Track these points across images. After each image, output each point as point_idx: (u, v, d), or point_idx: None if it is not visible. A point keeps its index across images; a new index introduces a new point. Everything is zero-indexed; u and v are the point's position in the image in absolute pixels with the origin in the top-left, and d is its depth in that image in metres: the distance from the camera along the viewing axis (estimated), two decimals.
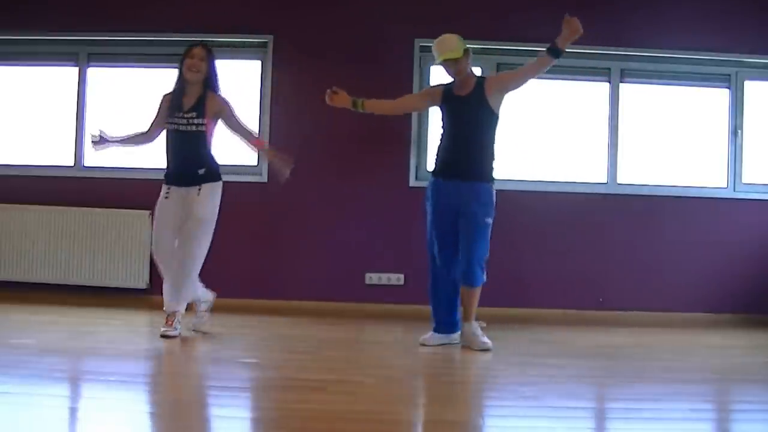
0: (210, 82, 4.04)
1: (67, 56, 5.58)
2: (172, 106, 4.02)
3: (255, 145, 4.26)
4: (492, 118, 4.01)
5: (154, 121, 4.10)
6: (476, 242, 3.94)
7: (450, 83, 4.12)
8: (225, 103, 4.07)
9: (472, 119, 4.01)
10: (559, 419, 2.76)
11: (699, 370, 3.70)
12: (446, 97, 4.09)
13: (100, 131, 4.03)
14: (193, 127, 3.98)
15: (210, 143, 4.08)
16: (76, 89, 5.55)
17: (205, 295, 4.19)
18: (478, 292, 4.00)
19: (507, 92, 4.04)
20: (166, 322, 3.96)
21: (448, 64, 4.00)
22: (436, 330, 4.09)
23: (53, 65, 5.64)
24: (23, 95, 5.66)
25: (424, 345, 4.02)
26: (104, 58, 5.58)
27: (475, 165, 4.01)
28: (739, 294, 5.36)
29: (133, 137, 4.15)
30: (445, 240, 4.00)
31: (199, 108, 3.99)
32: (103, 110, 5.57)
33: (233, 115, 4.10)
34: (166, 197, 4.03)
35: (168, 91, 4.10)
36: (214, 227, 4.06)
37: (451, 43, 3.98)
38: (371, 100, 4.17)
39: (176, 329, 3.95)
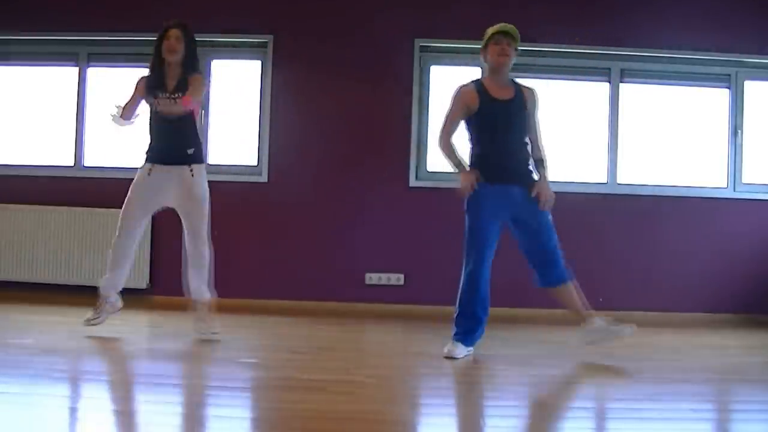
0: (189, 61, 4.00)
1: (67, 56, 5.58)
2: (154, 86, 3.96)
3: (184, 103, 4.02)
4: (526, 121, 3.90)
5: (128, 103, 4.01)
6: (554, 238, 3.83)
7: (479, 83, 3.91)
8: (199, 80, 4.01)
9: (521, 125, 3.86)
10: (559, 419, 2.76)
11: (699, 370, 3.70)
12: (485, 100, 3.82)
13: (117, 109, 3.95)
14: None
15: (196, 123, 4.04)
16: (76, 89, 5.55)
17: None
18: (572, 287, 3.85)
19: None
20: (96, 307, 4.06)
21: (505, 44, 3.83)
22: (464, 342, 3.82)
23: (53, 65, 5.64)
24: (23, 95, 5.67)
25: (450, 358, 3.73)
26: (104, 58, 5.59)
27: (530, 170, 3.90)
28: (739, 294, 5.36)
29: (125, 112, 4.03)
30: (492, 246, 3.82)
31: (184, 88, 3.95)
32: (103, 110, 5.57)
33: (196, 88, 3.99)
34: (149, 174, 3.99)
35: (145, 75, 4.05)
36: (207, 209, 4.03)
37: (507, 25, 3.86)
38: (449, 155, 3.85)
39: (103, 315, 4.05)
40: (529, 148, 3.92)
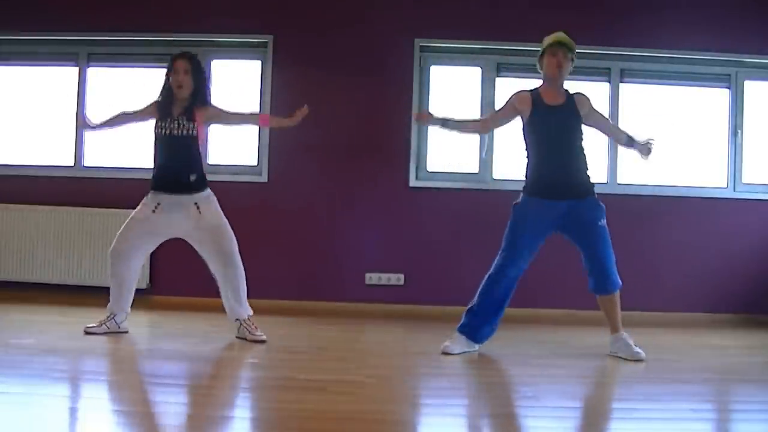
0: (198, 94, 4.02)
1: (67, 56, 5.58)
2: (162, 114, 4.01)
3: (262, 123, 4.52)
4: (582, 130, 3.96)
5: (137, 111, 4.08)
6: (606, 249, 3.89)
7: (535, 90, 3.95)
8: (214, 107, 4.06)
9: (572, 130, 3.92)
10: (559, 419, 2.76)
11: (699, 370, 3.70)
12: (538, 104, 3.90)
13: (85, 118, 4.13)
14: (184, 131, 3.98)
15: (200, 150, 4.07)
16: (76, 89, 5.55)
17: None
18: (618, 297, 3.96)
19: (585, 122, 3.99)
20: (101, 320, 4.09)
21: (560, 55, 3.85)
22: (468, 335, 3.91)
23: (53, 65, 5.64)
24: (23, 95, 5.67)
25: (446, 354, 3.82)
26: (104, 58, 5.59)
27: (585, 180, 3.95)
28: (739, 294, 5.36)
29: (114, 118, 4.12)
30: (529, 253, 3.91)
31: (189, 113, 4.00)
32: (103, 110, 5.57)
33: (224, 111, 4.10)
34: (154, 211, 4.02)
35: (157, 99, 4.08)
36: (230, 228, 4.08)
37: (564, 35, 3.91)
38: (457, 119, 3.99)
39: (107, 328, 4.06)
40: (585, 155, 3.98)
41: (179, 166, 4.02)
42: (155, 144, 4.06)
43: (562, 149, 3.91)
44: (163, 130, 4.00)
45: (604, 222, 3.90)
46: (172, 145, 4.01)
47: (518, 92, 3.98)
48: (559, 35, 3.91)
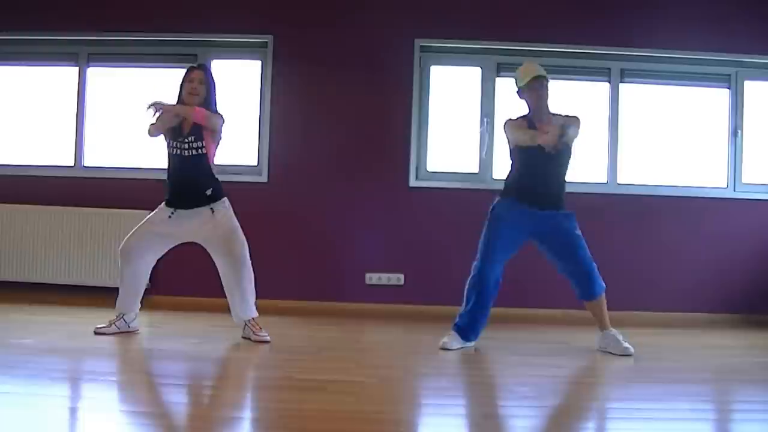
0: (207, 105, 4.01)
1: (67, 56, 5.58)
2: (173, 133, 4.00)
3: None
4: (570, 152, 4.03)
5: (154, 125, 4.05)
6: (585, 256, 4.00)
7: (527, 116, 4.05)
8: (218, 119, 4.02)
9: (562, 158, 3.98)
10: (558, 419, 2.76)
11: (699, 370, 3.70)
12: (530, 126, 4.00)
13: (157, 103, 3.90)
14: (194, 151, 3.99)
15: (212, 164, 4.07)
16: (76, 89, 5.55)
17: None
18: (604, 299, 4.06)
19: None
20: (109, 322, 4.08)
21: (538, 84, 3.97)
22: (460, 334, 4.02)
23: (53, 65, 5.64)
24: (23, 95, 5.66)
25: (445, 349, 3.93)
26: (104, 58, 5.59)
27: (561, 194, 4.04)
28: (739, 294, 5.36)
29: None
30: (506, 255, 4.03)
31: (197, 131, 3.99)
32: (103, 110, 5.58)
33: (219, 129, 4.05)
34: (170, 217, 4.02)
35: None
36: (242, 233, 4.10)
37: (536, 65, 4.01)
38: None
39: (117, 328, 4.06)
40: (566, 176, 4.06)
41: (194, 186, 4.02)
42: (168, 163, 4.06)
43: (548, 167, 3.98)
44: (174, 150, 4.01)
45: (579, 231, 4.02)
46: (184, 165, 4.01)
47: (513, 119, 4.06)
48: (533, 70, 3.98)
